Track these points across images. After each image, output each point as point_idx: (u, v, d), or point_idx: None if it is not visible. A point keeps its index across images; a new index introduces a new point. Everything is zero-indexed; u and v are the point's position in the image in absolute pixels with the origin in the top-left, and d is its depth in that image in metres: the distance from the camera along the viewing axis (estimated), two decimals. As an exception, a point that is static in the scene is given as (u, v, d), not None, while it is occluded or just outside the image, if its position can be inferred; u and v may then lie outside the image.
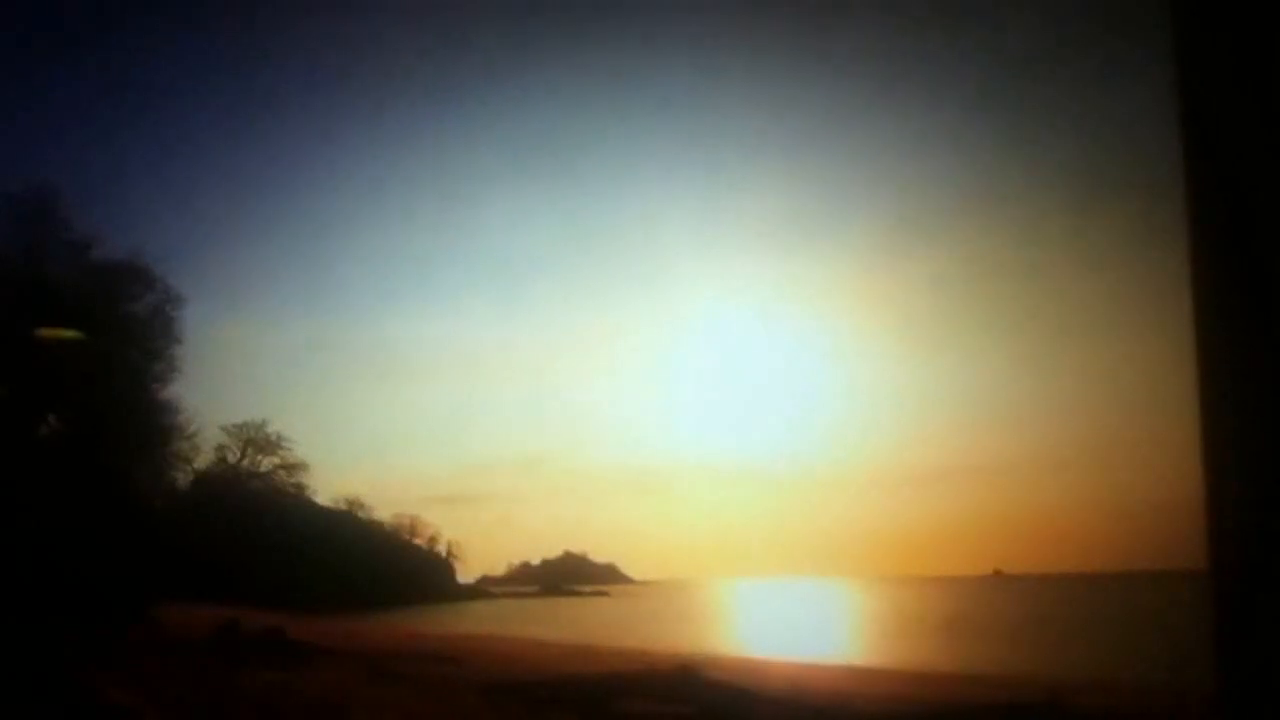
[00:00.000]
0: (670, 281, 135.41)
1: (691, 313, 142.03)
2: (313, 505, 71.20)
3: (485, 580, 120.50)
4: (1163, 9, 1.58)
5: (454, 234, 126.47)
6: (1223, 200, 1.50)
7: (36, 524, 22.56)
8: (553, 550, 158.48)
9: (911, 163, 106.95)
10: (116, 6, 74.02)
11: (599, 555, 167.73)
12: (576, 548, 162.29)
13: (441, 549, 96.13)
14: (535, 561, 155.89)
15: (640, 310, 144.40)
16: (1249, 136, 1.47)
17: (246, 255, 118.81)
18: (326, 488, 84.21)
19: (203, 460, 56.50)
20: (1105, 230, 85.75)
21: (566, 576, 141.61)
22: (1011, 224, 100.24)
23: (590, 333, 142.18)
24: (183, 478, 50.42)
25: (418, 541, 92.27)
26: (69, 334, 17.91)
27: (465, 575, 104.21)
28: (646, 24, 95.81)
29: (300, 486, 68.65)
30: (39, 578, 22.98)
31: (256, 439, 64.80)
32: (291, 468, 67.01)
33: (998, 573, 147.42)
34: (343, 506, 78.93)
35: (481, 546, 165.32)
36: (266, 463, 66.41)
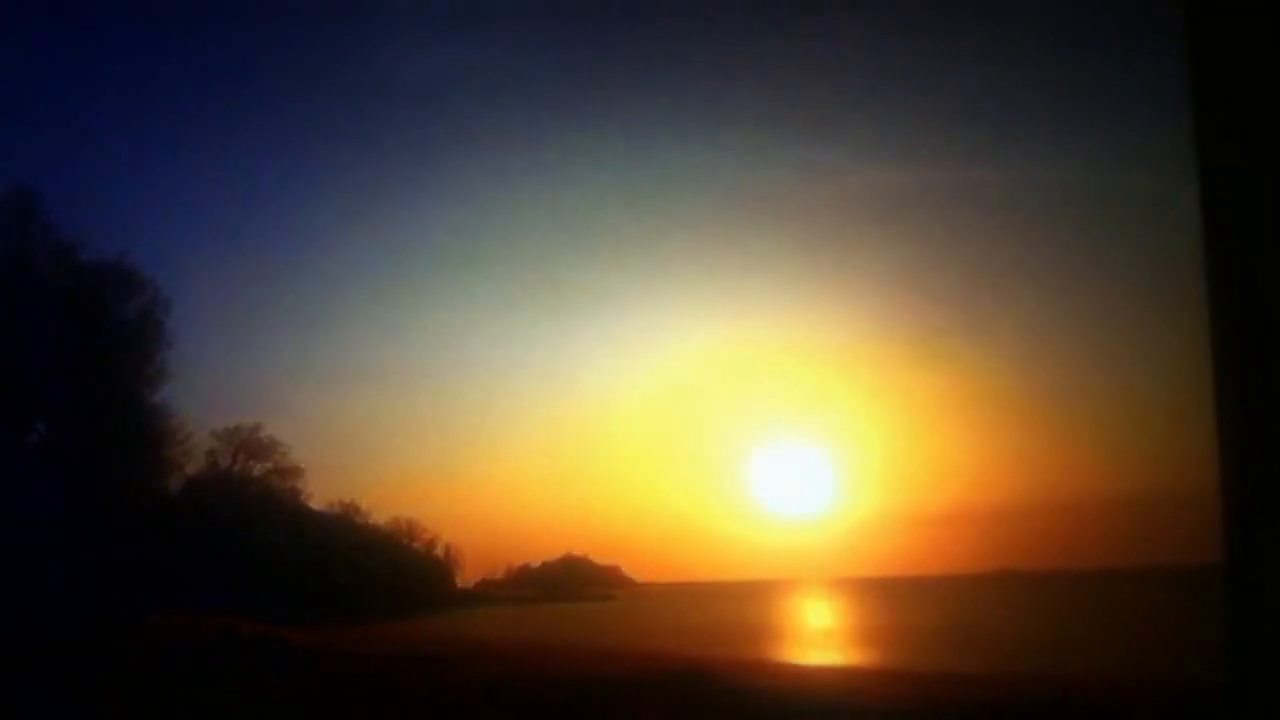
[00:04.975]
0: (680, 288, 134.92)
1: (698, 312, 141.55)
2: (308, 510, 70.73)
3: (485, 584, 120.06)
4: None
5: (456, 235, 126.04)
6: (1234, 201, 1.56)
7: (27, 533, 22.25)
8: (554, 553, 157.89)
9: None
10: (105, 6, 73.55)
11: (602, 558, 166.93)
12: (579, 550, 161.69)
13: (440, 553, 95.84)
14: (536, 564, 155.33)
15: (648, 314, 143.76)
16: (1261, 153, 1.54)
17: (239, 257, 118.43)
18: (322, 492, 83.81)
19: (194, 465, 55.93)
20: (1118, 225, 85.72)
21: (569, 580, 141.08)
22: (1017, 217, 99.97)
23: (595, 331, 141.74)
24: (175, 484, 49.91)
25: (416, 546, 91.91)
26: None
27: (465, 580, 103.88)
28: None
29: (295, 491, 68.21)
30: (31, 588, 22.71)
31: (249, 443, 64.16)
32: (285, 472, 66.54)
33: (1004, 570, 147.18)
34: (338, 511, 78.49)
35: (481, 549, 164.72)
36: (260, 468, 65.87)
